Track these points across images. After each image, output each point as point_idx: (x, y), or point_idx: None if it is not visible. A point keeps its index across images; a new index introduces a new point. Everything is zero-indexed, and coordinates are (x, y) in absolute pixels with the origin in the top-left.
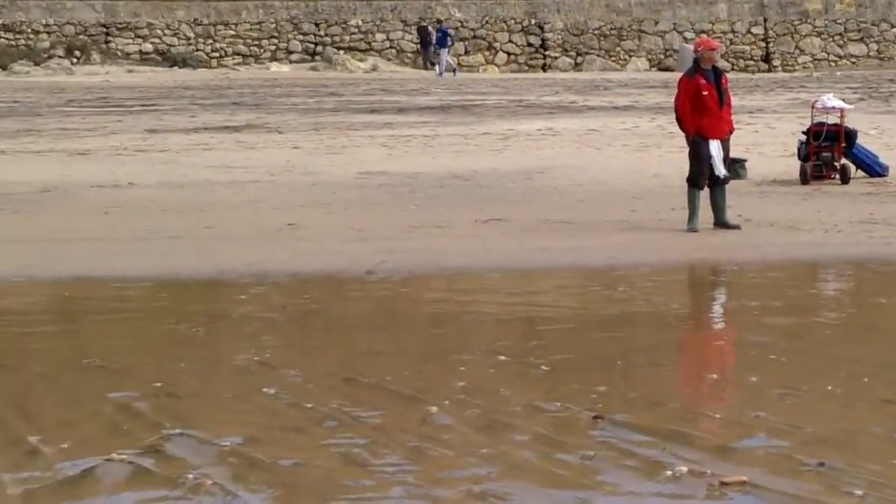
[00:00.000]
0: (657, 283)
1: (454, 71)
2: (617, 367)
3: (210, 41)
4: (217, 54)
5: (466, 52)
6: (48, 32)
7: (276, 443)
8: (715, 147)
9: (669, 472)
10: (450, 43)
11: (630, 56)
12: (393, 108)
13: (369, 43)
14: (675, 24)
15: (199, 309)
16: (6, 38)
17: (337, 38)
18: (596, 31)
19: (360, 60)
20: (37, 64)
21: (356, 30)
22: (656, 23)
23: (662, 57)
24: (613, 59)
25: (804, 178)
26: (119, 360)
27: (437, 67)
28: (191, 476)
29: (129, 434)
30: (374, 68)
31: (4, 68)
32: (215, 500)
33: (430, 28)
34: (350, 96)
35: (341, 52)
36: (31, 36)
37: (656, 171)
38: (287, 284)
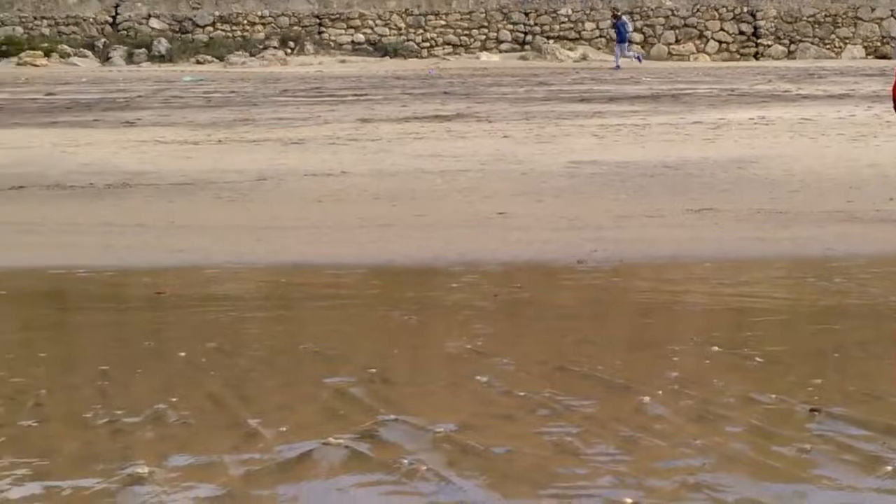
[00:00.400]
0: (875, 275)
1: (617, 67)
2: (833, 360)
3: (421, 31)
4: (427, 44)
5: (677, 41)
6: (263, 24)
7: (489, 430)
8: None
9: (890, 468)
10: (627, 38)
11: (845, 43)
12: (603, 97)
13: (579, 32)
14: (892, 10)
15: (412, 296)
16: (223, 30)
17: (546, 28)
18: (810, 19)
19: (570, 49)
20: (252, 55)
21: (566, 19)
22: (873, 9)
23: (879, 44)
24: (828, 46)
25: None
26: (334, 346)
27: (632, 57)
28: (406, 461)
29: (344, 419)
30: (584, 57)
31: (221, 59)
32: (429, 485)
33: (623, 17)
34: (560, 85)
35: (551, 41)
36: (248, 27)
37: (873, 160)
38: (498, 273)
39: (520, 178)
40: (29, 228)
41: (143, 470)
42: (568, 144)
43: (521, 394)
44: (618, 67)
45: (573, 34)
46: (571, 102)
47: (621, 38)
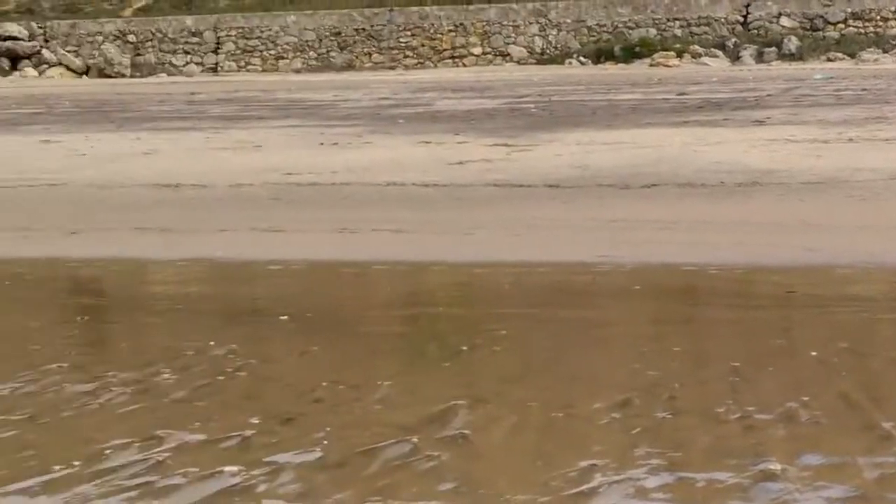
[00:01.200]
0: None
1: None
2: None
3: None
4: None
5: None
6: None
7: None
8: None
9: None
10: None
11: None
12: None
13: None
14: None
15: None
16: (855, 27)
17: None
18: None
19: None
20: (885, 51)
21: None
22: None
23: None
24: None
25: None
26: None
27: None
28: None
29: None
30: None
31: (852, 56)
32: None
33: None
34: None
35: None
36: (880, 23)
37: None
38: None
39: None
40: (662, 226)
41: (776, 467)
42: None
43: None
44: None
45: None
46: None
47: None
